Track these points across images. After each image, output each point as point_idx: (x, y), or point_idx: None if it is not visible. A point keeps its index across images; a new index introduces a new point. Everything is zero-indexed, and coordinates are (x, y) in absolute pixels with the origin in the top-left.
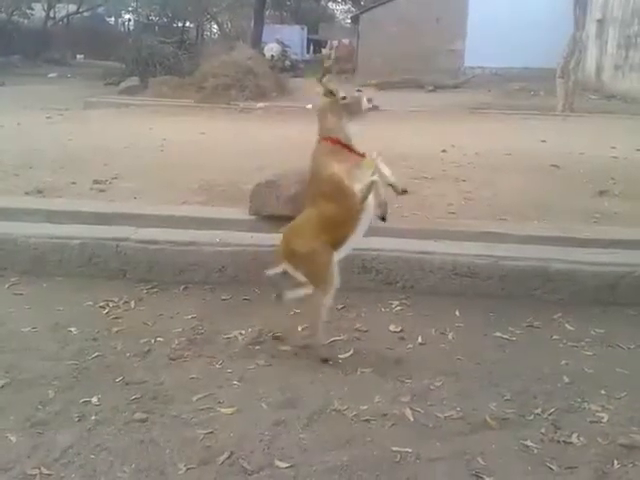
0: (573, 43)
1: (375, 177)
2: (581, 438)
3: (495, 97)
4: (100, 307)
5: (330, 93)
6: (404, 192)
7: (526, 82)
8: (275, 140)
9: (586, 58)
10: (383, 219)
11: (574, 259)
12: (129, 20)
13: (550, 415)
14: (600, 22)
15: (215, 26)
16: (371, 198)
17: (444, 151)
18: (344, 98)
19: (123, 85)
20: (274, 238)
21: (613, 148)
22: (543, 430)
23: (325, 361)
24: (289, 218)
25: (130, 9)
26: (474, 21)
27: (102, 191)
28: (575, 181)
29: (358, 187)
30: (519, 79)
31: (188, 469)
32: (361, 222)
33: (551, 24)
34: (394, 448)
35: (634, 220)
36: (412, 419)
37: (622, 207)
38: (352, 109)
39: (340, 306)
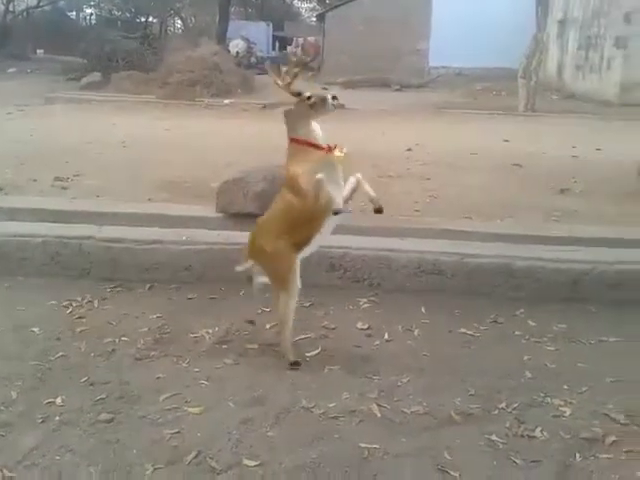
0: (534, 43)
1: (320, 175)
2: (544, 432)
3: (459, 97)
4: (63, 307)
5: (296, 94)
6: (378, 211)
7: (489, 82)
8: (241, 137)
9: (547, 58)
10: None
11: (536, 256)
12: (91, 14)
13: (514, 410)
14: (561, 23)
15: (179, 21)
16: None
17: (409, 150)
18: (310, 98)
19: (85, 80)
20: (241, 236)
21: (574, 147)
22: (507, 425)
23: (294, 364)
24: (256, 215)
25: (92, 3)
26: (438, 21)
27: (64, 188)
28: (537, 180)
29: (310, 187)
30: (482, 79)
31: (155, 469)
32: (326, 222)
33: (513, 25)
34: (362, 444)
35: (594, 218)
36: (379, 415)
37: (582, 205)
38: (318, 108)
39: (308, 304)
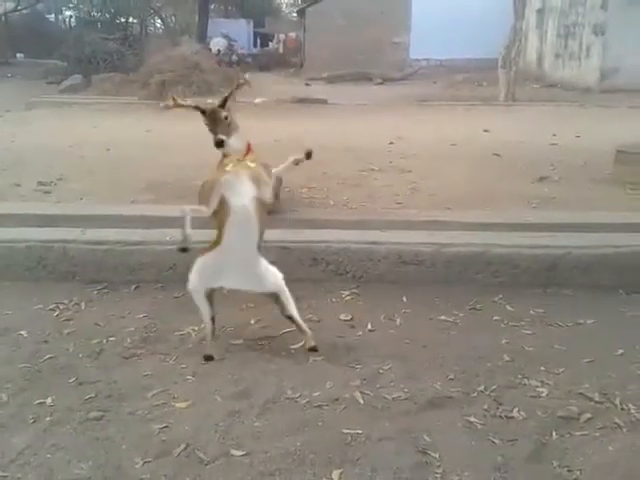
0: (513, 33)
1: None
2: (522, 412)
3: (440, 89)
4: (50, 310)
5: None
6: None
7: (470, 73)
8: None
9: (527, 48)
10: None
11: (514, 243)
12: (70, 17)
13: (492, 392)
14: (540, 12)
15: (159, 21)
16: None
17: (391, 143)
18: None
19: (65, 83)
20: None
21: (554, 135)
22: (486, 406)
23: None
24: None
25: (71, 5)
26: (418, 13)
27: (47, 193)
28: (516, 169)
29: None
30: (463, 70)
31: (145, 463)
32: None
33: (493, 15)
34: (345, 430)
35: (571, 204)
36: (362, 402)
37: (560, 192)
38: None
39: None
